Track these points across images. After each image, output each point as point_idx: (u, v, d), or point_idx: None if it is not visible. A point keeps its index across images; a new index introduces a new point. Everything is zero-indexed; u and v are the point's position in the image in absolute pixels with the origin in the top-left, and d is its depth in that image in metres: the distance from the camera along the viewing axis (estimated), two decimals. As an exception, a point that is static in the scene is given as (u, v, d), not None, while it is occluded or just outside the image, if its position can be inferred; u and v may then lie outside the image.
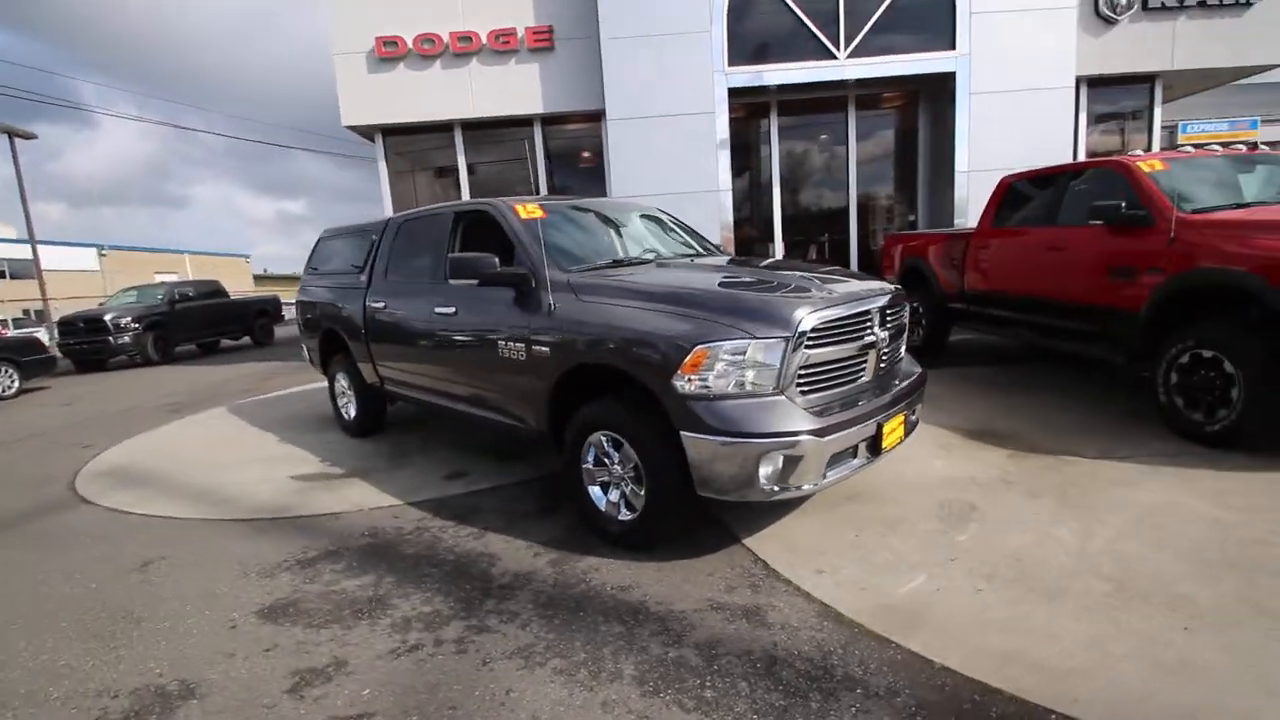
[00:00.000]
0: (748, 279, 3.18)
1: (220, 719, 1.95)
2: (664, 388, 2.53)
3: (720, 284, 3.01)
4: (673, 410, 2.52)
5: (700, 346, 2.44)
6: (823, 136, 9.81)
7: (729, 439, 2.40)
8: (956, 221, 8.91)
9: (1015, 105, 8.63)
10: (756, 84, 8.66)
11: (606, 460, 2.91)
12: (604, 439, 2.87)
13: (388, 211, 9.41)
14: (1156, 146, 9.82)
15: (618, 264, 3.45)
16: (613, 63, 8.45)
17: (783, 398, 2.48)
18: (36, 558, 3.32)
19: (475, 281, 3.41)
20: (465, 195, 9.48)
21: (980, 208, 6.40)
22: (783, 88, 8.89)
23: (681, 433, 2.51)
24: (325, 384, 5.68)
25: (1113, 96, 9.69)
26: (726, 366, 2.44)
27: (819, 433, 2.43)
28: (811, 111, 9.69)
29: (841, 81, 8.87)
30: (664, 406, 2.57)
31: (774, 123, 9.48)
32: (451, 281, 3.66)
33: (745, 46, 8.60)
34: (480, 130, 9.51)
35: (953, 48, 8.56)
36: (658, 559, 2.77)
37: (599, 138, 9.43)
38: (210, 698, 2.05)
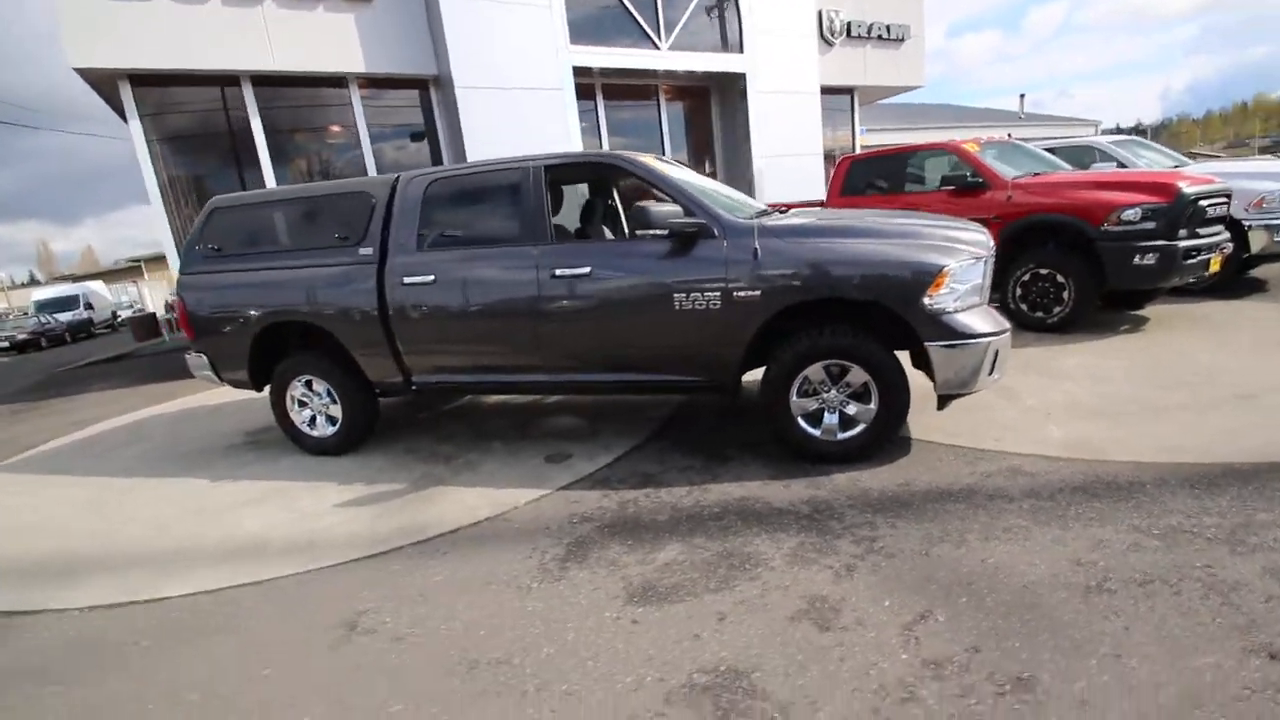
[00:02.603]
0: (915, 217, 3.61)
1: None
2: (913, 308, 2.99)
3: (906, 221, 3.43)
4: (921, 325, 3.00)
5: (946, 267, 2.98)
6: (650, 124, 10.60)
7: (970, 340, 3.00)
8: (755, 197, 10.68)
9: (781, 104, 10.70)
10: (597, 64, 8.97)
11: (819, 389, 3.22)
12: (823, 368, 3.18)
13: (150, 188, 7.06)
14: (857, 144, 13.19)
15: (761, 214, 3.65)
16: (453, 25, 7.80)
17: (984, 305, 3.18)
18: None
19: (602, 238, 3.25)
20: (265, 167, 7.65)
21: (767, 188, 7.98)
22: (606, 71, 9.37)
23: (927, 343, 3.01)
24: (131, 413, 4.35)
25: (829, 103, 12.65)
26: (957, 283, 3.03)
27: (1008, 331, 3.20)
28: (630, 98, 10.38)
29: (654, 71, 9.75)
30: (905, 325, 3.02)
31: (600, 105, 9.90)
32: (574, 240, 3.37)
33: (581, 28, 8.81)
34: (279, 88, 7.74)
35: (742, 52, 10.17)
36: (880, 463, 3.21)
37: (427, 107, 8.58)
38: (755, 675, 1.87)
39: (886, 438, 3.24)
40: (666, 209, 3.15)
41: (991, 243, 3.27)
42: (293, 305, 3.97)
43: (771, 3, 10.22)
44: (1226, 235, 5.45)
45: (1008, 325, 3.16)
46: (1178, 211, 4.99)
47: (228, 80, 7.35)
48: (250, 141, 7.57)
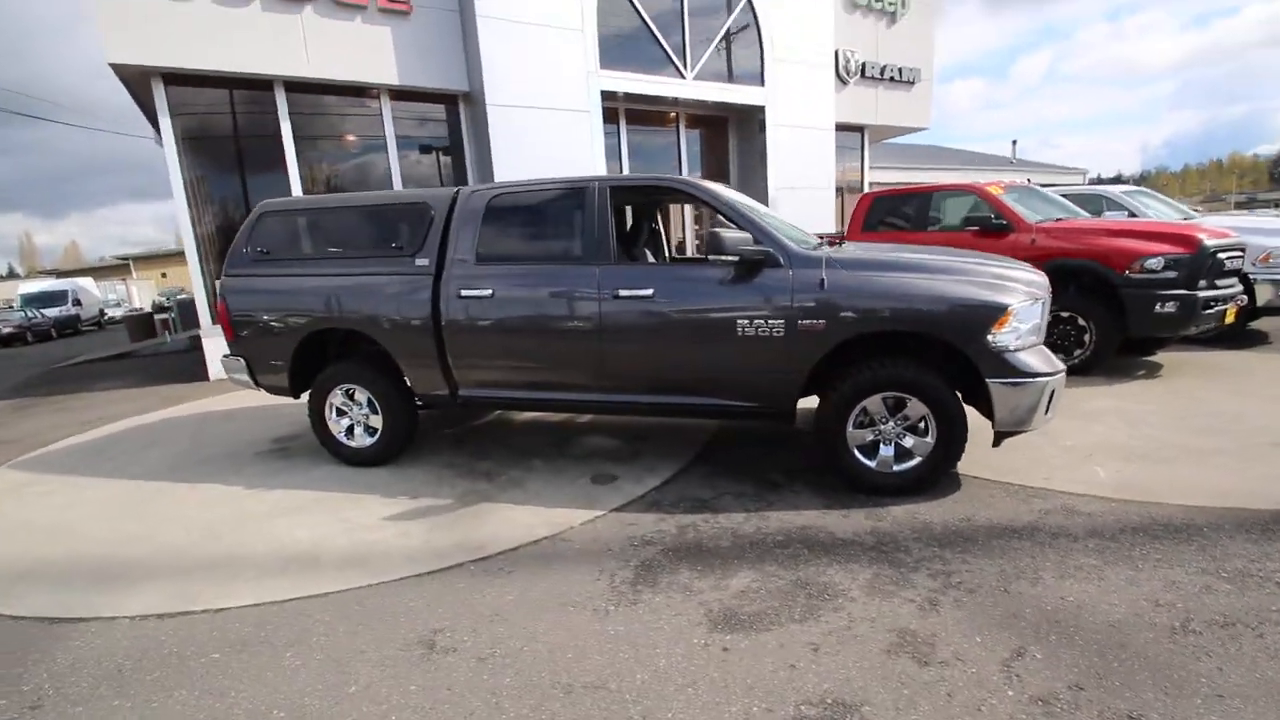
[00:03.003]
0: (972, 256, 3.67)
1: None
2: (976, 345, 3.05)
3: (967, 259, 3.48)
4: (983, 362, 3.06)
5: (1012, 307, 3.05)
6: (669, 150, 10.77)
7: (1030, 379, 3.06)
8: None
9: (798, 138, 10.94)
10: (625, 89, 9.13)
11: (877, 420, 3.26)
12: (882, 400, 3.22)
13: (175, 187, 7.02)
14: (866, 179, 13.50)
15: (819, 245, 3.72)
16: (489, 44, 7.91)
17: (1041, 345, 3.25)
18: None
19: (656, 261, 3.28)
20: (293, 172, 7.64)
21: (786, 216, 8.13)
22: (631, 96, 9.52)
23: (990, 380, 3.07)
24: (146, 416, 4.29)
25: (841, 139, 12.94)
26: (1019, 323, 3.10)
27: (1063, 372, 3.28)
28: (651, 124, 10.55)
29: (677, 99, 9.94)
30: (964, 361, 3.09)
31: (623, 129, 10.05)
32: (630, 261, 3.41)
33: (611, 53, 8.98)
34: (311, 95, 7.77)
35: (763, 85, 10.41)
36: (934, 497, 3.25)
37: (455, 122, 8.65)
38: (865, 709, 1.87)
39: (942, 472, 3.28)
40: (738, 235, 3.21)
41: (1048, 284, 3.37)
42: (342, 312, 3.95)
43: (792, 39, 10.51)
44: (1241, 288, 5.64)
45: (1063, 366, 3.23)
46: (1199, 263, 5.17)
47: (261, 84, 7.37)
48: (279, 146, 7.56)
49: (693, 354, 3.44)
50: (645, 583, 2.59)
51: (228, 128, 7.48)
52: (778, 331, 3.26)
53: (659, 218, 4.81)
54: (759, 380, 3.38)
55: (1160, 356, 6.15)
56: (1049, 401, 3.14)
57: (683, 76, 9.63)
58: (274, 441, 4.88)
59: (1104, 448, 3.78)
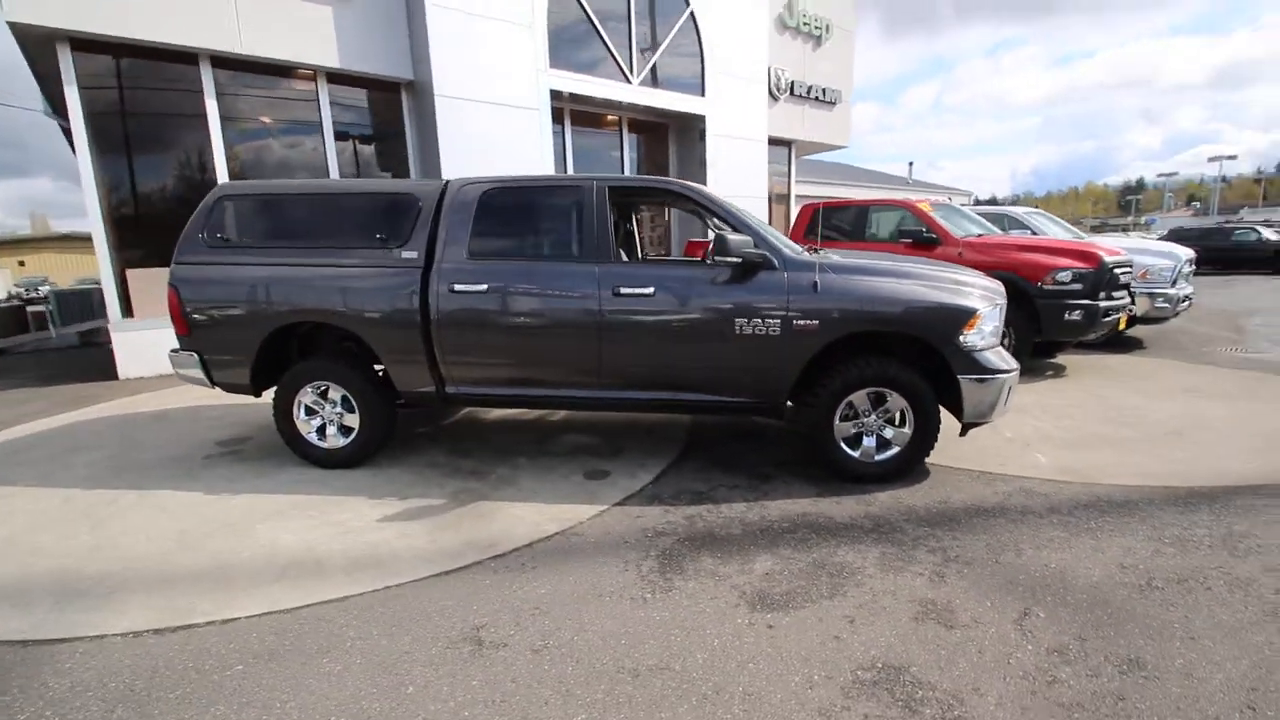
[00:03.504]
0: (941, 266, 3.95)
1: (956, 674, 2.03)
2: (950, 345, 3.37)
3: (939, 268, 3.76)
4: (955, 360, 3.38)
5: (980, 311, 3.40)
6: (612, 153, 10.83)
7: (994, 375, 3.42)
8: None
9: (734, 148, 11.37)
10: (574, 90, 9.13)
11: (860, 414, 3.52)
12: (866, 395, 3.48)
13: (83, 167, 6.31)
14: (793, 191, 14.20)
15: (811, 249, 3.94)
16: (438, 33, 7.67)
17: (999, 346, 3.63)
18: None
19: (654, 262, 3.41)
20: (218, 155, 7.06)
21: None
22: (576, 97, 9.55)
23: (960, 376, 3.40)
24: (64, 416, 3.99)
25: (770, 153, 13.56)
26: (985, 324, 3.45)
27: (1017, 369, 3.67)
28: (594, 126, 10.59)
29: (622, 103, 10.06)
30: (941, 359, 3.40)
31: (568, 130, 10.03)
32: (626, 260, 3.48)
33: (559, 54, 8.95)
34: (241, 73, 7.20)
35: (704, 96, 10.74)
36: (911, 483, 3.55)
37: (396, 112, 8.32)
38: (913, 669, 2.05)
39: (918, 461, 3.58)
40: (740, 238, 3.36)
41: (1004, 291, 3.76)
42: (317, 305, 3.74)
43: (731, 54, 10.92)
44: (1130, 299, 6.49)
45: (1016, 365, 3.63)
46: (1100, 277, 5.91)
47: (185, 58, 6.75)
48: (204, 127, 6.94)
49: (691, 352, 3.55)
50: (673, 571, 2.67)
51: (146, 104, 6.78)
52: (774, 331, 3.44)
53: (634, 219, 4.91)
54: (755, 377, 3.54)
55: (1061, 359, 6.95)
56: (1006, 396, 3.52)
57: (629, 81, 9.76)
58: (220, 445, 4.51)
59: (1039, 438, 4.26)
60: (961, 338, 3.38)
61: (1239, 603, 2.32)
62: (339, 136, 7.96)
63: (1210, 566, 2.58)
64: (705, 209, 3.71)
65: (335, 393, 3.86)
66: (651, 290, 3.52)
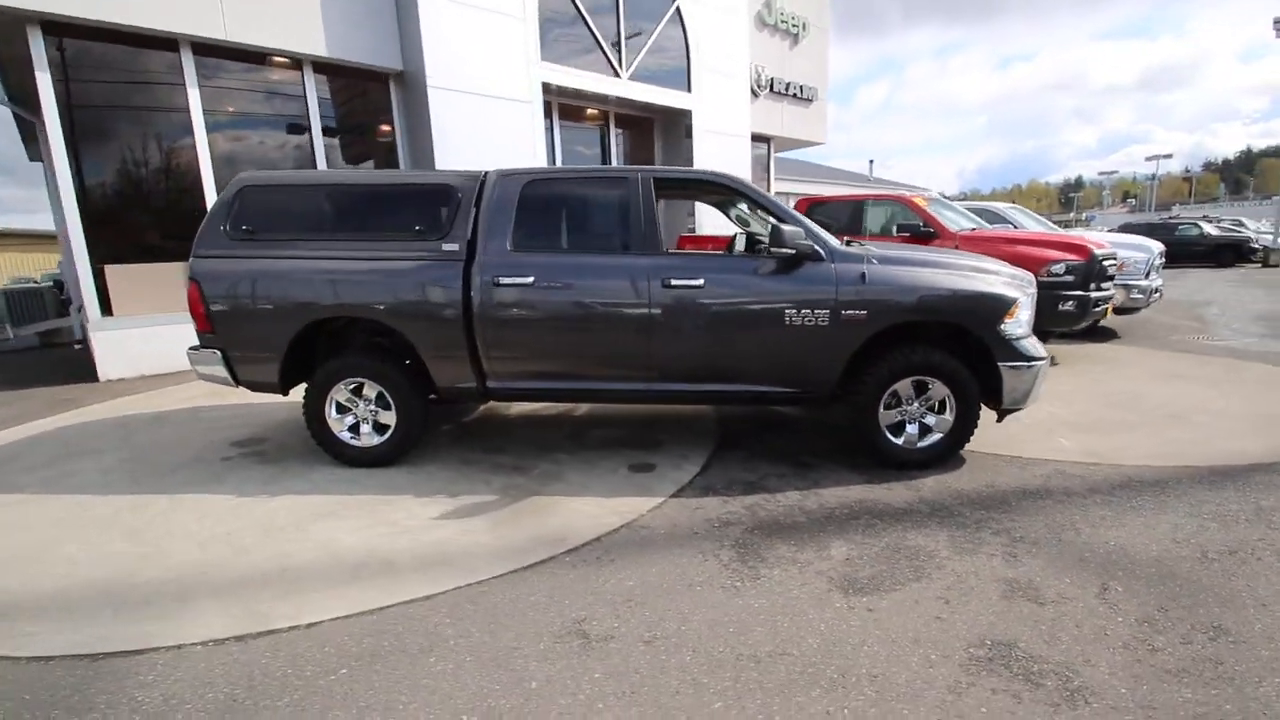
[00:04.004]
0: (973, 257, 4.04)
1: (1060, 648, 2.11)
2: (992, 333, 3.49)
3: (976, 260, 3.86)
4: (997, 348, 3.50)
5: (1019, 300, 3.52)
6: (596, 148, 10.76)
7: (1031, 363, 3.56)
8: (694, 228, 11.24)
9: (719, 144, 11.45)
10: (566, 83, 9.03)
11: (904, 402, 3.61)
12: (910, 383, 3.57)
13: (57, 158, 5.93)
14: (772, 187, 14.37)
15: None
16: (431, 23, 7.48)
17: (1031, 335, 3.77)
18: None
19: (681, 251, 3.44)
20: (201, 147, 6.72)
21: (704, 219, 8.67)
22: (564, 90, 9.46)
23: (1001, 364, 3.51)
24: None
25: (753, 149, 13.70)
26: (1022, 313, 3.58)
27: (1049, 359, 3.82)
28: (582, 119, 10.51)
29: (609, 97, 10.01)
30: (981, 347, 3.51)
31: (555, 123, 9.92)
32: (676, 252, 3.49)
33: (550, 47, 8.85)
34: (222, 60, 6.87)
35: (690, 91, 10.77)
36: (952, 469, 3.66)
37: (384, 103, 8.09)
38: (1020, 644, 2.12)
39: (959, 447, 3.69)
40: (794, 229, 3.39)
41: (1034, 280, 3.91)
42: (354, 299, 3.62)
43: (716, 50, 10.99)
44: (1114, 291, 6.82)
45: (1047, 354, 3.77)
46: (1090, 269, 6.19)
47: (165, 44, 6.39)
48: (186, 117, 6.60)
49: (742, 342, 3.57)
50: (753, 559, 2.69)
51: (122, 92, 6.40)
52: (823, 321, 3.49)
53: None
54: (804, 367, 3.59)
55: (1050, 348, 7.24)
56: (1040, 383, 3.66)
57: (618, 75, 9.72)
58: (236, 446, 4.32)
59: (1057, 423, 4.45)
60: (1002, 326, 3.50)
61: (1292, 570, 2.48)
62: (325, 127, 7.68)
63: (1253, 539, 2.74)
64: (752, 201, 3.74)
65: (370, 389, 3.75)
66: (702, 282, 3.53)
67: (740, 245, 4.98)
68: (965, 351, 3.63)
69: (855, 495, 3.33)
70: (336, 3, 7.20)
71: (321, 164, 7.60)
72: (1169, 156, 61.01)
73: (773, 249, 3.39)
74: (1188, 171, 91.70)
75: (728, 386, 3.67)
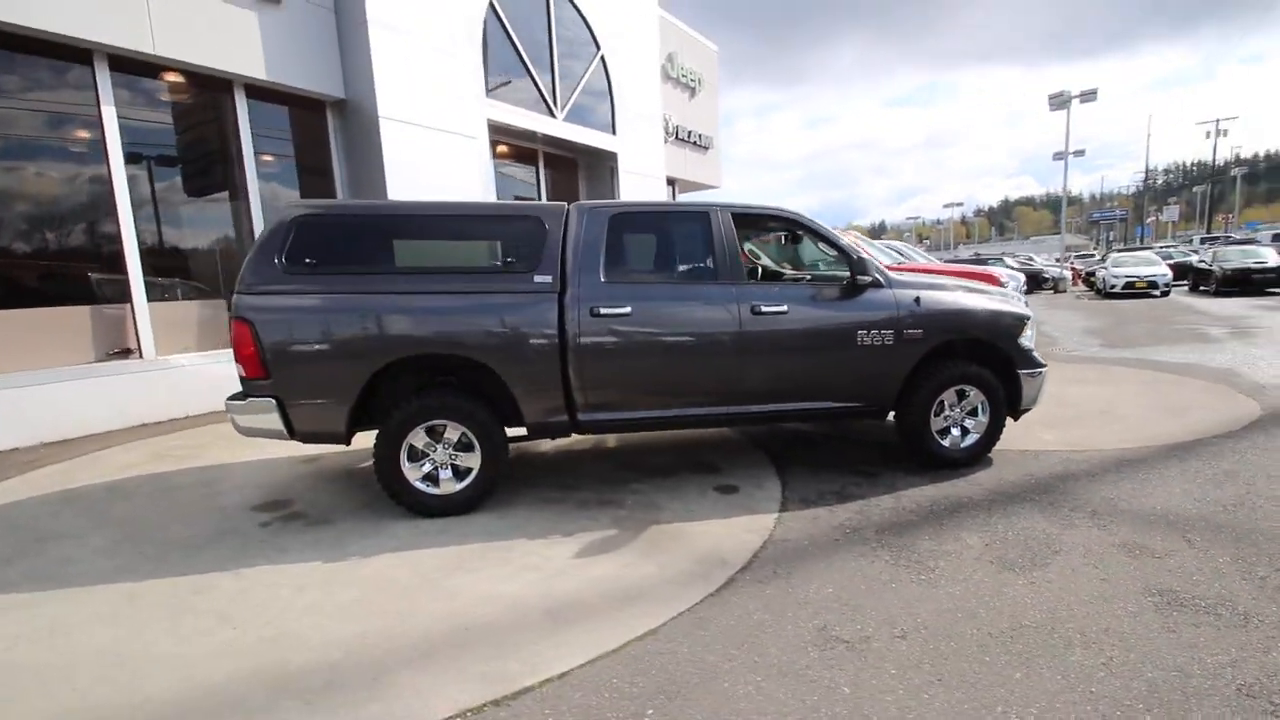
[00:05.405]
0: (973, 283, 4.69)
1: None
2: (1015, 346, 4.12)
3: (975, 284, 4.50)
4: (1018, 359, 4.13)
5: (1029, 319, 4.20)
6: (529, 181, 10.70)
7: (1039, 369, 4.24)
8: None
9: (638, 184, 11.98)
10: (508, 121, 8.99)
11: (947, 408, 4.12)
12: (954, 392, 4.09)
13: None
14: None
15: None
16: (382, 54, 7.16)
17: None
18: None
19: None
20: (116, 169, 5.78)
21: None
22: (499, 127, 9.43)
23: (1020, 371, 4.15)
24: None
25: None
26: (1030, 329, 4.27)
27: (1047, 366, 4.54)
28: (512, 158, 10.44)
29: (539, 135, 10.13)
30: (1007, 357, 4.12)
31: (490, 159, 9.76)
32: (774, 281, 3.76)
33: (491, 85, 8.79)
34: (144, 77, 6.00)
35: (615, 134, 11.20)
36: (988, 465, 4.21)
37: (321, 132, 7.52)
38: (1175, 590, 2.55)
39: (991, 446, 4.25)
40: (869, 260, 3.79)
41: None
42: (442, 335, 3.38)
43: (636, 97, 11.56)
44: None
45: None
46: (1001, 294, 7.39)
47: (75, 54, 5.46)
48: (99, 137, 5.64)
49: (820, 363, 3.87)
50: (909, 556, 2.93)
51: (22, 106, 5.33)
52: (888, 340, 3.90)
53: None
54: (872, 383, 3.96)
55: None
56: (1043, 388, 4.37)
57: (554, 116, 9.87)
58: (259, 510, 3.74)
59: (1027, 420, 5.23)
60: (1020, 339, 4.15)
61: (1289, 512, 3.24)
62: (260, 156, 6.95)
63: (1244, 494, 3.51)
64: (815, 234, 4.10)
65: (452, 431, 3.49)
66: (786, 308, 3.79)
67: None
68: (987, 363, 4.23)
69: (933, 493, 3.72)
70: (277, 24, 6.64)
71: (253, 189, 6.84)
72: (960, 204, 72.93)
73: (857, 277, 3.77)
74: (964, 219, 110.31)
75: (807, 405, 3.93)
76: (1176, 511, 3.28)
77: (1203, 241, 31.16)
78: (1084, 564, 2.78)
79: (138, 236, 5.99)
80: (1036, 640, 2.24)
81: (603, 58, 10.77)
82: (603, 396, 3.66)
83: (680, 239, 3.94)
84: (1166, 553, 2.85)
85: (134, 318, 6.00)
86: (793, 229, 4.30)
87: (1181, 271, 20.58)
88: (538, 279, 3.53)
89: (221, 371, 6.52)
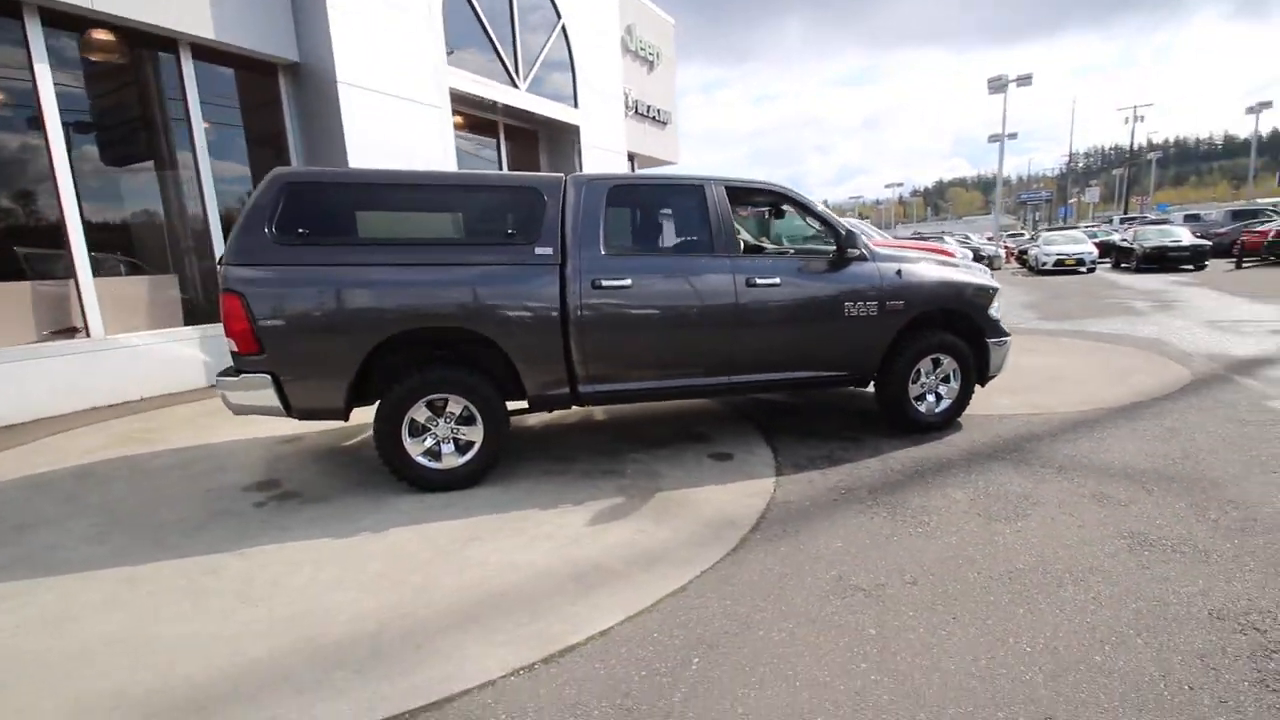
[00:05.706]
0: (942, 256, 4.94)
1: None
2: (985, 316, 4.37)
3: (946, 258, 4.73)
4: (987, 328, 4.40)
5: (997, 290, 4.46)
6: (488, 153, 10.42)
7: (1006, 338, 4.52)
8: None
9: (600, 158, 11.88)
10: (470, 90, 8.72)
11: (923, 375, 4.36)
12: (929, 360, 4.32)
13: None
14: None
15: None
16: (341, 16, 6.80)
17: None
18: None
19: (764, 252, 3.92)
20: (54, 134, 5.34)
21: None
22: (463, 97, 9.15)
23: (989, 340, 4.42)
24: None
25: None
26: (999, 300, 4.53)
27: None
28: (473, 128, 10.14)
29: (501, 106, 9.88)
30: (977, 327, 4.38)
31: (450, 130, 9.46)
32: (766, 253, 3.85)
33: (453, 54, 8.49)
34: (81, 32, 5.51)
35: (577, 107, 11.03)
36: (958, 428, 4.48)
37: (274, 96, 7.13)
38: (1146, 534, 2.82)
39: (961, 411, 4.52)
40: (855, 234, 3.93)
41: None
42: (445, 307, 3.34)
43: (597, 70, 11.39)
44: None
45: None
46: (957, 269, 7.76)
47: (1, 5, 4.95)
48: (34, 99, 5.16)
49: (811, 333, 4.02)
50: (904, 511, 3.13)
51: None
52: (873, 311, 4.08)
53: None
54: (857, 353, 4.14)
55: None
56: (1007, 356, 4.66)
57: (516, 86, 9.63)
58: (249, 491, 3.63)
59: (986, 388, 5.57)
60: (990, 310, 4.41)
61: (1245, 448, 3.61)
62: (209, 122, 6.53)
63: (1192, 448, 3.87)
64: (806, 210, 4.21)
65: (455, 405, 3.47)
66: (778, 280, 3.90)
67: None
68: (959, 332, 4.48)
69: (915, 455, 3.95)
70: (222, -22, 6.21)
71: (204, 156, 6.44)
72: (900, 185, 75.17)
73: (846, 250, 3.91)
74: (902, 199, 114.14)
75: (795, 374, 4.08)
76: (1132, 465, 3.61)
77: (1122, 221, 33.27)
78: (1060, 513, 3.04)
79: (79, 208, 5.57)
80: (1032, 581, 2.46)
81: (564, 27, 10.54)
82: (603, 368, 3.70)
83: (678, 212, 3.99)
84: (1130, 501, 3.14)
85: (79, 294, 5.60)
86: (784, 203, 4.40)
87: (1105, 249, 21.99)
88: (539, 251, 3.51)
89: (176, 352, 6.19)
